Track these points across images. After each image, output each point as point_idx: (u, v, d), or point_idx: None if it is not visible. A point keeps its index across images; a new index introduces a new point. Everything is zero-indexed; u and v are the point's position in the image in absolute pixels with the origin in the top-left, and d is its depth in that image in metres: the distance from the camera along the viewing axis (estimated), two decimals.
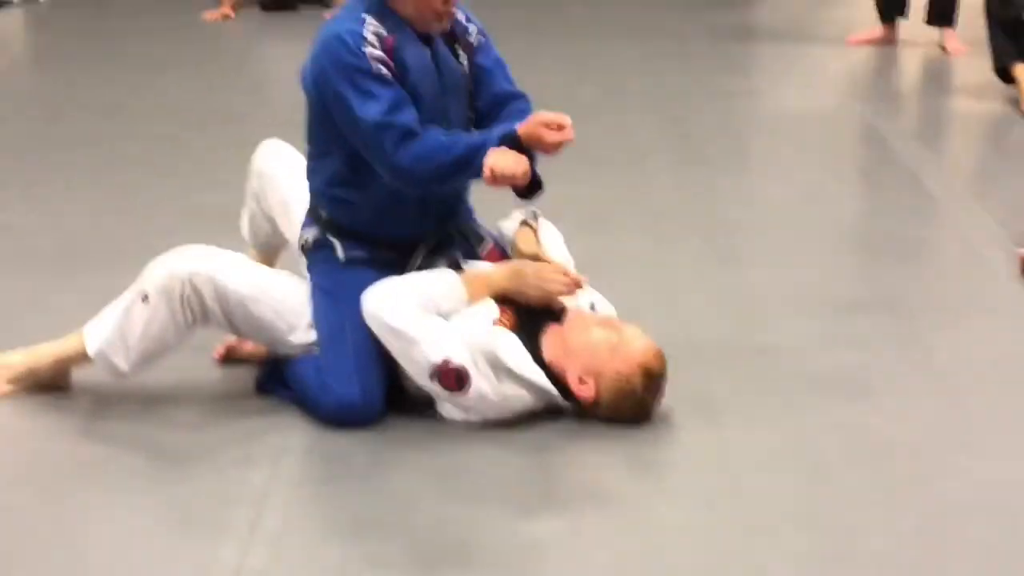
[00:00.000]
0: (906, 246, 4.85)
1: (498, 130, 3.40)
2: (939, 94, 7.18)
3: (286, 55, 8.01)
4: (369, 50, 3.35)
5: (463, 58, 3.59)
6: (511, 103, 3.63)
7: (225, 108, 6.63)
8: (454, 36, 3.56)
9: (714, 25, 8.71)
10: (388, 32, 3.40)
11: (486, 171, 3.28)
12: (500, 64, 3.66)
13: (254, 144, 3.94)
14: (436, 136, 3.36)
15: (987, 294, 4.39)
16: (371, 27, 3.39)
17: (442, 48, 3.53)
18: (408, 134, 3.32)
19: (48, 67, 8.23)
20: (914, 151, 6.01)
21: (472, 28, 3.61)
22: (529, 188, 3.44)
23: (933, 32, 7.81)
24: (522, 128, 3.35)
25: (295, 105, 3.60)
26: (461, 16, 3.56)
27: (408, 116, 3.35)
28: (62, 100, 7.06)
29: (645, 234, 4.86)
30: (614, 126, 6.36)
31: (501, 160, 3.29)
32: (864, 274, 4.61)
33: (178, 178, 5.53)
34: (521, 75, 6.68)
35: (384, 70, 3.36)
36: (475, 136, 3.42)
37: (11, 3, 9.30)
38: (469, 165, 3.34)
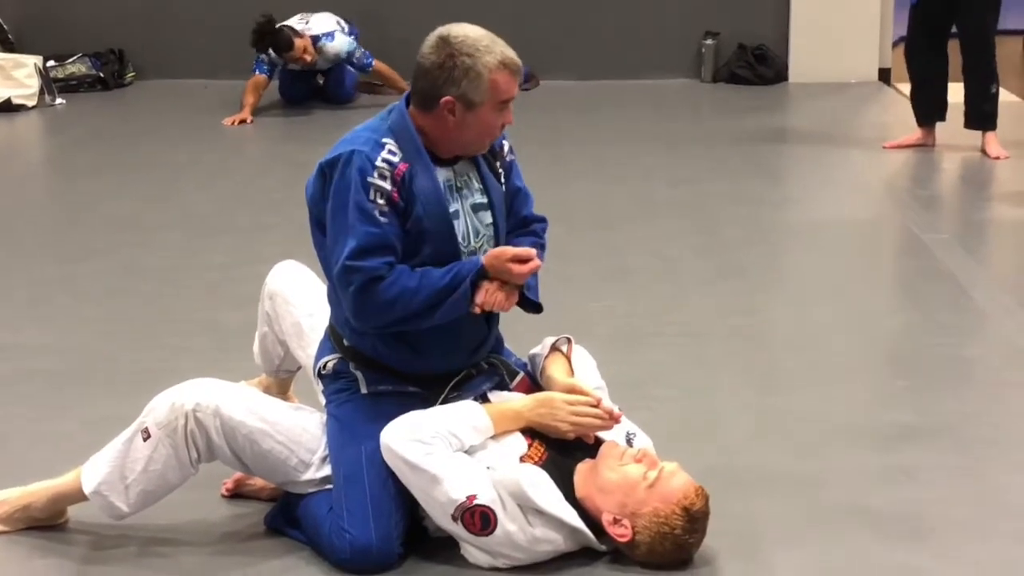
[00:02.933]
0: (957, 366, 4.71)
1: (467, 266, 3.33)
2: (982, 200, 6.99)
3: (306, 163, 7.95)
4: (376, 181, 3.27)
5: (502, 176, 3.52)
6: (534, 224, 3.62)
7: (243, 219, 6.52)
8: (492, 153, 3.48)
9: (744, 131, 8.62)
10: (403, 159, 3.31)
11: (475, 309, 3.29)
12: (525, 188, 3.62)
13: (272, 258, 3.88)
14: (403, 282, 3.27)
15: None
16: (387, 153, 3.31)
17: (482, 167, 3.45)
18: (373, 280, 3.24)
19: (62, 173, 8.22)
20: (959, 261, 5.86)
21: (506, 145, 3.55)
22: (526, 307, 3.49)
23: (973, 136, 7.68)
24: (488, 263, 3.33)
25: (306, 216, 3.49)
26: None
27: (377, 261, 3.26)
28: (75, 208, 7.04)
29: (682, 353, 4.72)
30: (645, 236, 6.29)
31: (491, 299, 3.32)
32: (914, 398, 4.40)
33: (193, 292, 5.43)
34: (551, 184, 6.67)
35: (383, 204, 3.27)
36: (445, 278, 3.30)
37: (26, 107, 9.28)
38: (438, 307, 3.29)
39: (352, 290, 3.25)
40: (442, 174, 3.38)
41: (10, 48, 9.72)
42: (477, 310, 3.27)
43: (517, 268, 3.30)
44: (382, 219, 3.25)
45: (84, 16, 10.17)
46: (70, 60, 9.96)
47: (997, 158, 7.48)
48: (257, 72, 9.11)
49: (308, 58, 8.99)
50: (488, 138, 3.39)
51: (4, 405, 4.32)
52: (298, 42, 8.92)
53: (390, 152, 3.29)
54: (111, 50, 10.16)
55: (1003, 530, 3.48)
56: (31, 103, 9.33)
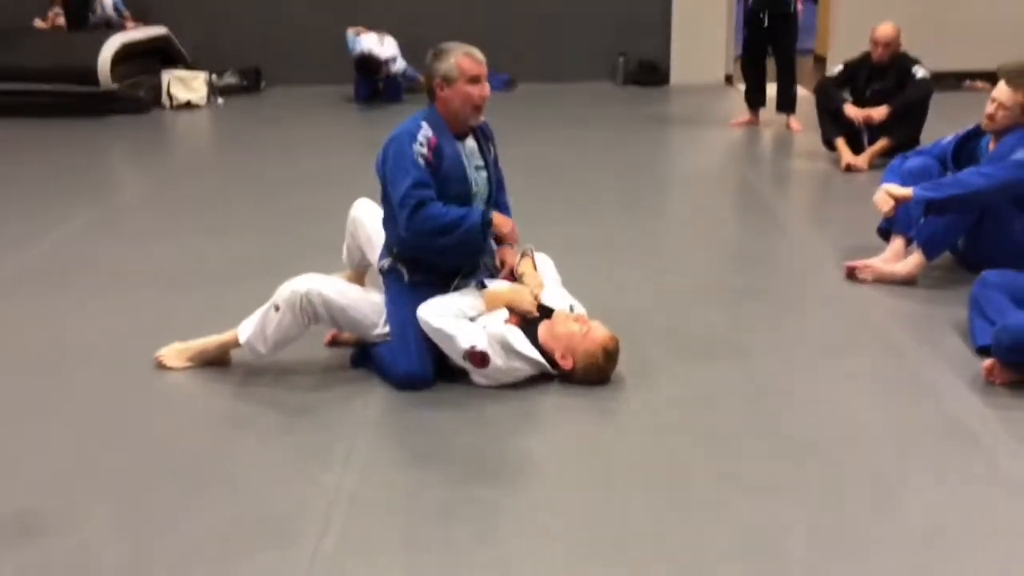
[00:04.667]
0: (771, 258, 4.65)
1: (477, 211, 3.29)
2: (787, 157, 6.87)
3: (380, 138, 7.83)
4: (417, 147, 3.21)
5: (492, 152, 3.46)
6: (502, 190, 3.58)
7: (337, 177, 6.34)
8: (485, 135, 3.41)
9: (642, 115, 8.48)
10: (434, 134, 3.25)
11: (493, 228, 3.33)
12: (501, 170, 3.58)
13: (353, 197, 3.79)
14: (436, 208, 3.20)
15: (825, 290, 4.16)
16: (424, 131, 3.25)
17: (482, 142, 3.38)
18: (419, 205, 3.18)
19: (224, 148, 8.05)
20: (772, 196, 5.80)
21: (491, 132, 3.47)
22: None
23: (781, 117, 7.56)
24: (496, 218, 3.34)
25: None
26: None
27: (423, 193, 3.19)
28: (235, 171, 6.87)
29: (601, 257, 4.63)
30: (579, 182, 6.17)
31: (499, 221, 3.36)
32: (744, 278, 4.35)
33: (305, 222, 5.32)
34: (524, 148, 6.56)
35: (423, 161, 3.21)
36: (461, 211, 3.24)
37: (199, 106, 9.14)
38: (456, 228, 3.21)
39: (407, 211, 3.17)
40: (458, 145, 3.32)
41: (188, 66, 9.56)
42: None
43: (509, 230, 3.39)
44: (425, 168, 3.20)
45: (233, 44, 9.96)
46: (226, 74, 9.79)
47: (796, 131, 7.38)
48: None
49: (383, 75, 8.97)
50: (470, 104, 3.26)
51: (193, 288, 4.27)
52: (382, 68, 8.96)
53: (425, 132, 3.24)
54: (251, 67, 9.98)
55: (788, 350, 3.47)
56: (202, 103, 9.19)
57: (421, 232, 3.20)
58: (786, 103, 7.49)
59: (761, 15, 7.33)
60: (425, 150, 3.21)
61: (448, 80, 3.24)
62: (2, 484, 2.72)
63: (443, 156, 3.25)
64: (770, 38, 7.40)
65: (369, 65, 8.90)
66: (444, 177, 3.25)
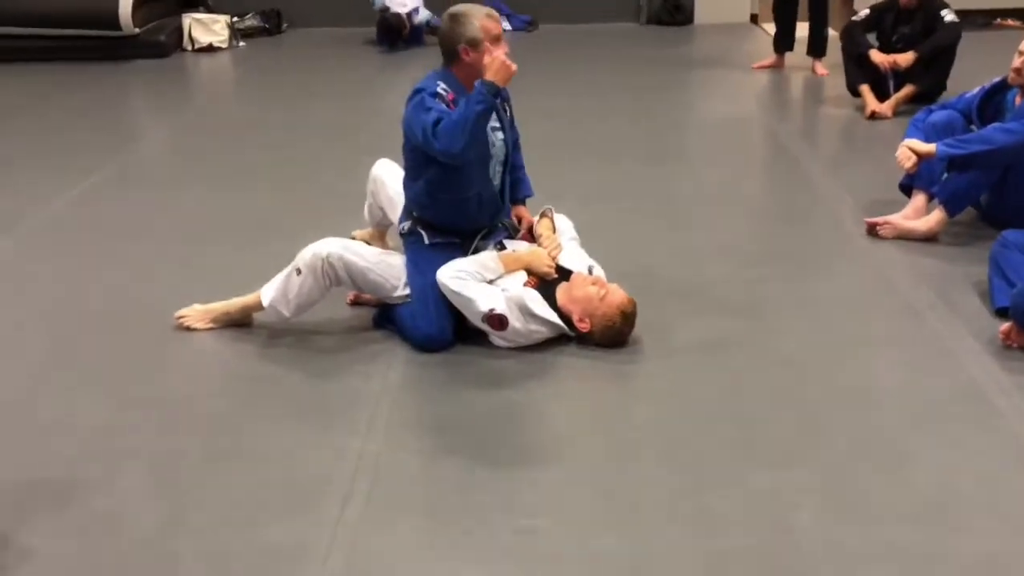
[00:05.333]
0: (792, 213, 4.62)
1: (473, 94, 3.13)
2: (812, 104, 6.77)
3: (402, 82, 7.82)
4: (437, 99, 3.20)
5: (508, 112, 3.46)
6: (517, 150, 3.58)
7: (356, 124, 6.36)
8: (501, 96, 3.31)
9: (667, 57, 8.37)
10: (452, 91, 3.25)
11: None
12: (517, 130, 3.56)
13: (374, 150, 3.82)
14: (448, 117, 3.11)
15: (844, 247, 4.14)
16: (441, 87, 3.24)
17: (496, 102, 3.29)
18: (436, 123, 3.10)
19: (245, 93, 8.01)
20: (796, 144, 5.71)
21: (507, 92, 3.41)
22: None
23: (808, 60, 7.42)
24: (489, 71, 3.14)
25: (399, 121, 3.38)
26: None
27: (437, 115, 3.12)
28: (253, 117, 6.85)
29: (621, 208, 4.62)
30: (600, 129, 6.11)
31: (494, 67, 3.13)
32: (764, 233, 4.37)
33: (326, 173, 5.32)
34: (545, 95, 6.51)
35: (443, 105, 3.19)
36: (462, 104, 3.13)
37: (221, 49, 9.09)
38: (469, 107, 3.07)
39: (430, 133, 3.09)
40: None
41: (209, 10, 9.48)
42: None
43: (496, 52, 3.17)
44: (442, 108, 3.16)
45: None
46: (247, 16, 9.69)
47: (822, 75, 7.26)
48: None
49: (404, 32, 8.82)
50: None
51: (215, 244, 4.31)
52: (404, 26, 8.77)
53: (443, 88, 3.23)
54: (272, 9, 9.87)
55: (811, 313, 3.46)
56: (224, 46, 9.10)
57: (451, 140, 3.08)
58: (816, 47, 7.34)
59: None
60: (442, 105, 3.18)
61: (474, 44, 3.22)
62: (34, 450, 2.80)
63: None
64: None
65: (391, 26, 8.76)
66: None
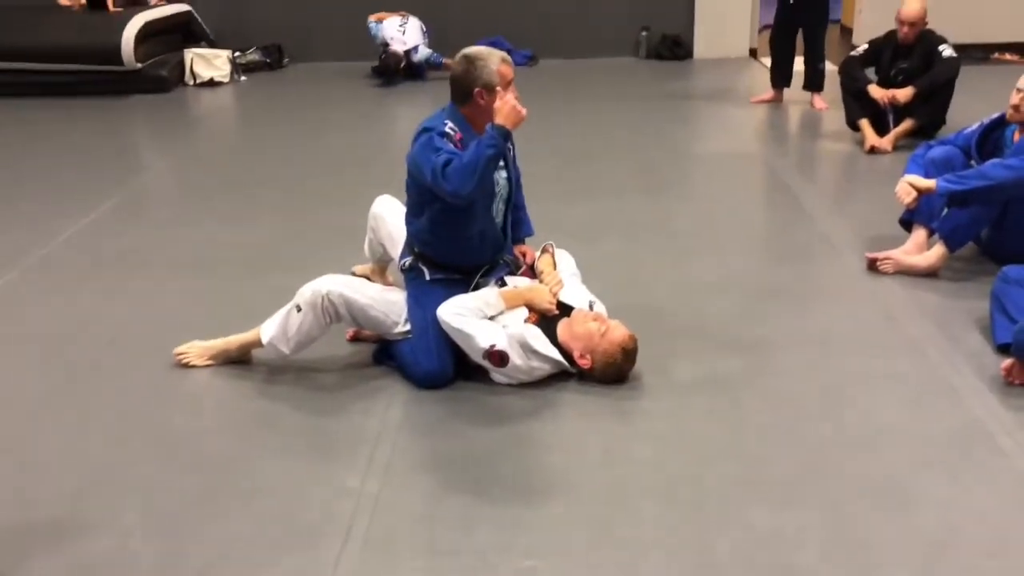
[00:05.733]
0: (793, 248, 4.63)
1: (483, 139, 3.13)
2: (811, 139, 6.78)
3: (402, 116, 7.92)
4: (445, 139, 3.20)
5: (512, 151, 3.46)
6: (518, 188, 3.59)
7: (357, 159, 6.40)
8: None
9: (666, 91, 8.41)
10: (460, 131, 3.26)
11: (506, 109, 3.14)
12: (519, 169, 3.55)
13: (375, 184, 3.83)
14: (457, 159, 3.10)
15: (846, 282, 4.15)
16: (449, 126, 3.26)
17: None
18: (446, 165, 3.10)
19: (246, 127, 8.04)
20: (796, 179, 5.72)
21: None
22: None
23: (806, 95, 7.48)
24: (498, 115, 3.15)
25: (403, 153, 3.42)
26: None
27: (447, 156, 3.12)
28: (255, 151, 6.89)
29: (624, 243, 4.64)
30: (601, 162, 6.14)
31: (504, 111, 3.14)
32: (765, 268, 4.37)
33: (327, 208, 5.34)
34: (543, 132, 6.51)
35: (451, 145, 3.19)
36: (472, 148, 3.13)
37: (223, 83, 9.15)
38: (479, 152, 3.08)
39: (440, 175, 3.08)
40: None
41: (211, 44, 9.57)
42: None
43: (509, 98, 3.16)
44: (451, 149, 3.16)
45: (256, 21, 9.98)
46: (249, 51, 9.77)
47: (821, 110, 7.32)
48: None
49: (400, 69, 8.92)
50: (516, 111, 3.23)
51: (216, 278, 4.31)
52: (402, 63, 8.89)
53: (451, 128, 3.24)
54: (274, 44, 9.96)
55: (815, 351, 3.47)
56: (225, 80, 9.18)
57: (461, 182, 3.08)
58: (812, 81, 7.40)
59: None
60: (450, 145, 3.19)
61: (489, 88, 3.24)
62: (33, 487, 2.80)
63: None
64: (798, 15, 7.32)
65: (388, 66, 8.83)
66: None
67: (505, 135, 3.13)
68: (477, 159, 3.08)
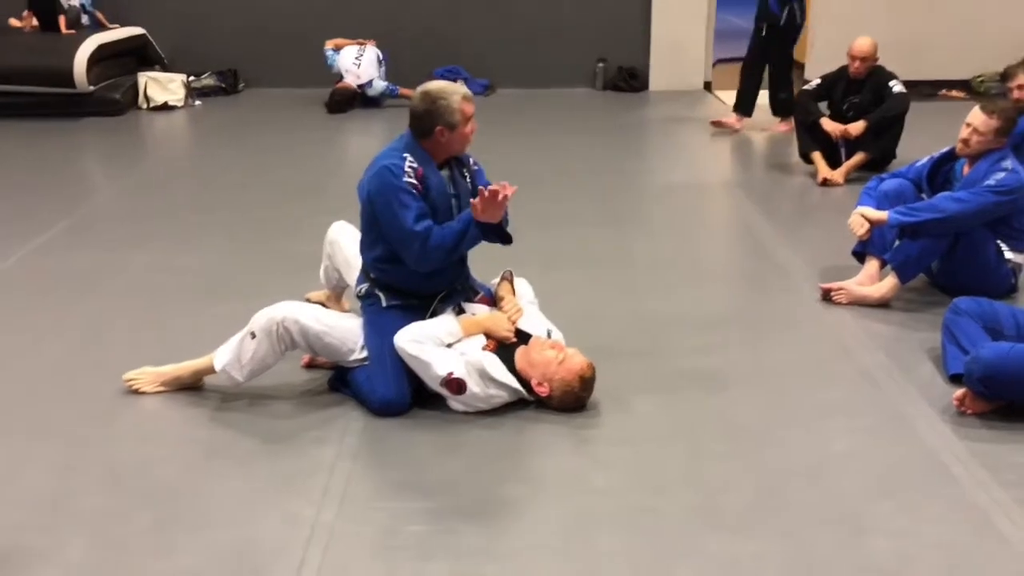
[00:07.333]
0: (747, 278, 4.67)
1: (464, 215, 3.28)
2: (765, 170, 6.83)
3: (357, 143, 7.89)
4: (406, 178, 3.21)
5: (468, 178, 3.43)
6: None
7: (311, 185, 6.36)
8: (461, 163, 3.41)
9: (622, 122, 8.47)
10: (419, 165, 3.25)
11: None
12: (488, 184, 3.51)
13: (330, 211, 3.79)
14: (438, 232, 3.21)
15: (799, 313, 4.19)
16: (408, 162, 3.24)
17: (455, 171, 3.38)
18: (425, 238, 3.18)
19: (200, 152, 7.94)
20: (750, 210, 5.77)
21: (471, 159, 3.47)
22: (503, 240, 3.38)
23: (760, 122, 7.58)
24: (476, 204, 3.20)
25: (357, 181, 3.41)
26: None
27: (425, 224, 3.21)
28: (207, 176, 6.83)
29: (582, 274, 4.64)
30: (559, 192, 6.15)
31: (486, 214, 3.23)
32: (720, 299, 4.40)
33: (281, 234, 5.30)
34: (501, 159, 6.52)
35: (414, 191, 3.21)
36: (456, 224, 3.25)
37: (177, 107, 9.07)
38: (460, 242, 3.25)
39: (417, 246, 3.18)
40: (442, 175, 3.33)
41: (166, 68, 9.50)
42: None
43: (494, 199, 3.20)
44: (418, 196, 3.20)
45: (211, 46, 9.91)
46: (204, 75, 9.72)
47: (785, 132, 7.44)
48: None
49: (352, 103, 8.91)
50: (467, 143, 3.34)
51: (166, 305, 4.25)
52: (355, 99, 8.89)
53: (410, 163, 3.23)
54: (229, 69, 9.91)
55: (767, 382, 3.48)
56: (180, 104, 9.11)
57: (434, 260, 3.22)
58: (782, 107, 7.59)
59: (760, 24, 7.48)
60: (414, 180, 3.21)
61: (452, 126, 3.25)
62: None
63: (430, 186, 3.26)
64: (766, 47, 7.50)
65: (341, 104, 8.80)
66: (431, 206, 3.26)
67: (486, 232, 3.26)
68: (455, 247, 3.23)
